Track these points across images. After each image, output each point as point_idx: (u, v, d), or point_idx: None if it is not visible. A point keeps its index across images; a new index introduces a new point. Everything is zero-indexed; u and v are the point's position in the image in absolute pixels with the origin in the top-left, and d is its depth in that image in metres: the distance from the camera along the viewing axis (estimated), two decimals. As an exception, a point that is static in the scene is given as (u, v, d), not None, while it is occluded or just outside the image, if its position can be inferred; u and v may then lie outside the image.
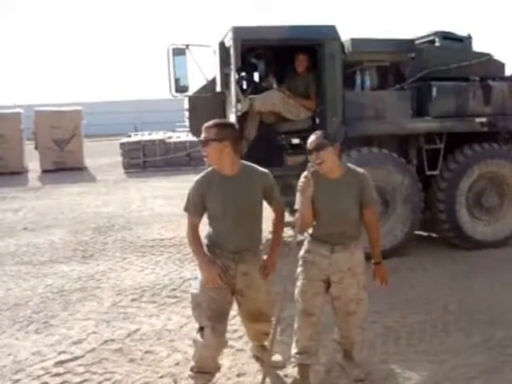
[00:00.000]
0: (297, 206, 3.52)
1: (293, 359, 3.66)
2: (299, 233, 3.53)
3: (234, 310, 4.74)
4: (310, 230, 3.64)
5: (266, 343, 3.84)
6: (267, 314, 3.64)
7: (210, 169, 3.51)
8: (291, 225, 7.46)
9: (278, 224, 3.67)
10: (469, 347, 4.16)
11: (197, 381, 3.46)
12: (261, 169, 3.55)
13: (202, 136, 3.40)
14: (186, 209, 3.50)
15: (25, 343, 4.48)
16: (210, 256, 3.46)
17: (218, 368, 3.53)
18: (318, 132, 3.58)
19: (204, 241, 3.54)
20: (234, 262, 3.45)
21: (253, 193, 3.45)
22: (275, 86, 6.69)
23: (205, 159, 3.49)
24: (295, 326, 3.64)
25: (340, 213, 3.50)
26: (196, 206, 3.45)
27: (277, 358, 3.88)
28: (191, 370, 3.48)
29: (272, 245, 3.64)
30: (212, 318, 3.35)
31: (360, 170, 3.63)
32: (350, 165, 3.65)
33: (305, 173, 3.44)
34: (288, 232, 7.42)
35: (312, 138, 3.50)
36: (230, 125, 3.58)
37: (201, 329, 3.41)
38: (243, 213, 3.40)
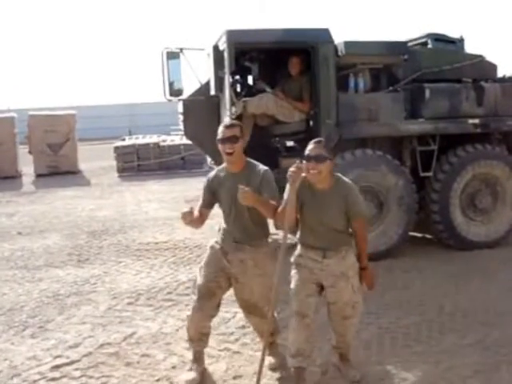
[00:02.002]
0: (284, 204, 3.49)
1: (288, 361, 3.66)
2: (287, 229, 3.49)
3: (231, 313, 4.76)
4: (298, 234, 3.66)
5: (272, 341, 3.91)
6: (261, 309, 3.70)
7: (220, 167, 3.80)
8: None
9: None
10: (464, 347, 4.18)
11: (191, 346, 3.89)
12: (260, 166, 3.71)
13: (230, 133, 3.58)
14: (201, 199, 3.80)
15: (20, 348, 4.48)
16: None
17: (200, 338, 3.82)
18: (321, 141, 3.55)
19: (218, 232, 3.84)
20: (234, 249, 3.66)
21: (252, 189, 3.54)
22: (268, 89, 6.71)
23: (230, 157, 3.60)
24: (290, 328, 3.64)
25: (325, 224, 3.51)
26: (205, 199, 3.78)
27: (273, 359, 3.90)
28: None
29: None
30: (197, 296, 3.73)
31: (348, 181, 3.61)
32: (339, 175, 3.63)
33: (295, 164, 3.38)
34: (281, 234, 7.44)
35: (313, 146, 3.46)
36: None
37: None
38: (242, 208, 3.57)
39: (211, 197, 3.76)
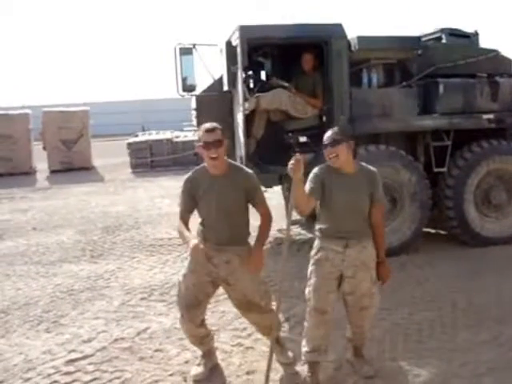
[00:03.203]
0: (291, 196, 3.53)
1: (303, 357, 3.66)
2: (294, 211, 3.54)
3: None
4: (319, 226, 3.64)
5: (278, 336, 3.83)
6: (258, 304, 3.63)
7: (198, 167, 3.70)
8: (299, 223, 7.48)
9: (263, 226, 3.64)
10: (478, 344, 4.16)
11: (197, 347, 3.91)
12: (245, 170, 3.69)
13: (214, 137, 3.46)
14: (179, 206, 3.70)
15: (35, 342, 4.52)
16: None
17: (200, 342, 3.79)
18: (336, 128, 3.65)
19: (194, 233, 3.69)
20: (217, 252, 3.58)
21: (235, 192, 3.56)
22: (285, 84, 6.67)
23: (215, 161, 3.51)
24: (306, 324, 3.65)
25: (355, 207, 3.54)
26: (186, 203, 3.65)
27: (285, 357, 3.83)
28: None
29: (256, 242, 3.60)
30: (183, 306, 3.65)
31: (371, 167, 3.70)
32: (361, 162, 3.71)
33: (294, 156, 3.36)
34: (297, 230, 7.43)
35: (328, 133, 3.57)
36: None
37: None
38: (226, 211, 3.54)
39: (192, 201, 3.62)
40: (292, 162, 3.33)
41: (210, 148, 3.46)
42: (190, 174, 3.71)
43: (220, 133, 3.51)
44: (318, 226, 3.67)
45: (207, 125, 3.55)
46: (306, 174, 3.57)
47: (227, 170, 3.59)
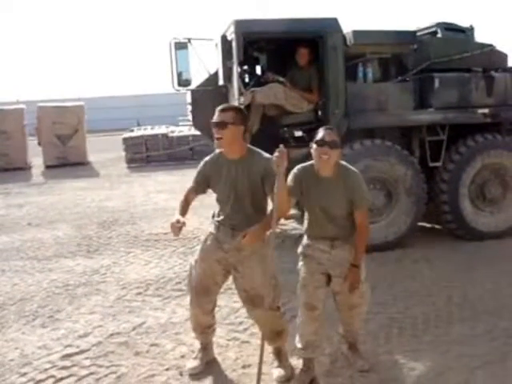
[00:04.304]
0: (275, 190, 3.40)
1: (297, 353, 3.67)
2: (278, 218, 3.42)
3: (240, 303, 4.77)
4: (305, 225, 3.65)
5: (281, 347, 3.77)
6: (263, 298, 3.53)
7: (218, 151, 3.63)
8: (295, 217, 7.49)
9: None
10: (472, 338, 4.17)
11: (197, 337, 3.94)
12: (263, 154, 3.55)
13: (219, 118, 3.42)
14: (193, 182, 3.69)
15: (31, 337, 4.52)
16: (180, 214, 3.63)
17: (203, 331, 3.85)
18: (333, 128, 3.55)
19: (212, 219, 3.72)
20: (230, 238, 3.54)
21: (250, 178, 3.48)
22: (281, 78, 6.66)
23: (219, 142, 3.45)
24: (298, 320, 3.64)
25: (330, 213, 3.49)
26: (199, 183, 3.66)
27: (282, 371, 3.70)
28: None
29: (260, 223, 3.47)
30: (192, 292, 3.73)
31: (353, 169, 3.57)
32: (344, 163, 3.59)
33: (278, 148, 3.27)
34: (292, 224, 7.43)
35: (327, 132, 3.43)
36: (243, 110, 3.68)
37: None
38: (240, 196, 3.49)
39: (204, 182, 3.63)
40: (276, 154, 3.24)
41: (214, 127, 3.45)
42: (210, 156, 3.69)
43: (230, 115, 3.42)
44: (304, 225, 3.69)
45: (223, 105, 3.55)
46: (288, 170, 3.47)
47: (245, 154, 3.52)
